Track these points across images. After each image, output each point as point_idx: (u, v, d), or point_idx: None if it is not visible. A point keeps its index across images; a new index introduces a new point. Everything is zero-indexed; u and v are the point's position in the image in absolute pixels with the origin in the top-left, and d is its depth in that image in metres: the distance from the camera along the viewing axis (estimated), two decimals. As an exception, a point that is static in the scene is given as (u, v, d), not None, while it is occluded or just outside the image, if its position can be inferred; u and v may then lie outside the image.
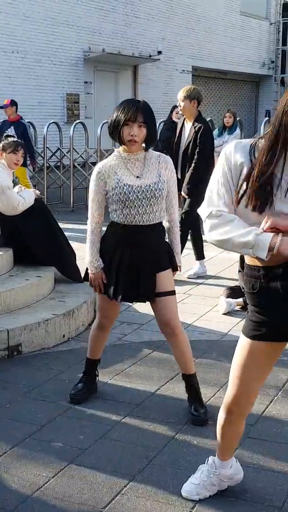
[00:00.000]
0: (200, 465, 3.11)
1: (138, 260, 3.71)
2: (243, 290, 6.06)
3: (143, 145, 3.69)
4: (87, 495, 3.05)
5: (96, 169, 3.73)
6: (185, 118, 6.91)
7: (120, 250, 3.72)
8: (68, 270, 6.03)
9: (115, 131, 3.62)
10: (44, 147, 12.54)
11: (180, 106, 6.80)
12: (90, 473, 3.24)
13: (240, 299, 5.93)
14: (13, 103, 11.09)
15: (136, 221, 3.66)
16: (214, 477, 3.01)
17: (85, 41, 19.38)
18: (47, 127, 12.61)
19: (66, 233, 6.32)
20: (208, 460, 3.07)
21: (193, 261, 7.22)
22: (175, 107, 11.17)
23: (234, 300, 5.95)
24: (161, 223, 3.79)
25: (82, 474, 3.22)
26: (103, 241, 3.80)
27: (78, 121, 13.51)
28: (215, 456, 3.04)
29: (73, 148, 12.31)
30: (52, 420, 3.81)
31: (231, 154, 2.48)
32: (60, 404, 4.00)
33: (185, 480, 3.13)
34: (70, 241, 6.22)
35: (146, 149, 3.71)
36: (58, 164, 13.38)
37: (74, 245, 6.31)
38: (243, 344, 2.67)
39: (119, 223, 3.69)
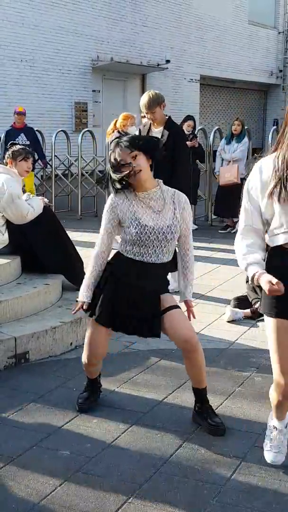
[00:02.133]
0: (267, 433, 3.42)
1: (140, 295, 3.66)
2: (250, 300, 6.06)
3: (155, 180, 3.67)
4: (94, 504, 3.05)
5: (109, 200, 3.67)
6: (151, 123, 6.50)
7: (123, 282, 3.67)
8: (75, 278, 6.03)
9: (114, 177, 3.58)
10: (52, 155, 12.59)
11: (150, 115, 6.33)
12: (97, 481, 3.23)
13: (248, 310, 5.92)
14: (25, 112, 11.79)
15: (145, 259, 3.64)
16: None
17: (93, 50, 19.46)
18: (55, 136, 12.68)
19: (74, 241, 6.33)
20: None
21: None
22: (188, 118, 11.15)
23: (242, 310, 5.94)
24: (169, 261, 3.74)
25: (89, 483, 3.22)
26: (108, 266, 3.75)
27: (86, 129, 13.54)
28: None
29: (81, 156, 12.34)
30: (59, 428, 3.80)
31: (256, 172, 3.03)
32: (67, 412, 4.00)
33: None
34: (77, 249, 6.22)
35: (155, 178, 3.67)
36: (66, 172, 13.42)
37: (81, 253, 6.31)
38: (271, 324, 3.04)
39: (128, 257, 3.67)
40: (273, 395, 3.27)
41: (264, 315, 3.08)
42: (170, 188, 3.74)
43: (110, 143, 8.62)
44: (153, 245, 3.61)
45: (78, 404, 4.04)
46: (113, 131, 8.87)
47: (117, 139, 3.64)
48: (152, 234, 3.59)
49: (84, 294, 3.75)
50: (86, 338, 3.84)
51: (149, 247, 3.61)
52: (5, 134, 11.62)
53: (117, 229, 3.70)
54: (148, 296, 3.67)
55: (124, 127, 8.72)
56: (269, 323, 3.05)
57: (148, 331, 3.72)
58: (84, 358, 3.91)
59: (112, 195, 3.68)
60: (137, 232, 3.58)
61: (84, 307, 3.74)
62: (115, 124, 8.99)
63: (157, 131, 6.41)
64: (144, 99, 6.31)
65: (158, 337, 3.75)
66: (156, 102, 6.29)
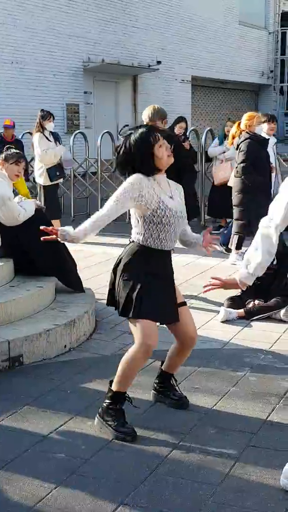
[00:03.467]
0: None
1: (168, 283, 3.78)
2: (244, 301, 6.07)
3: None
4: (90, 506, 3.04)
5: (133, 178, 3.60)
6: None
7: (153, 274, 3.67)
8: (69, 280, 6.03)
9: (147, 156, 3.59)
10: (44, 158, 12.53)
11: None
12: (92, 483, 3.23)
13: (241, 310, 5.93)
14: (14, 124, 11.55)
15: (168, 246, 3.70)
16: None
17: (84, 51, 19.46)
18: (47, 138, 12.63)
19: (67, 243, 6.31)
20: None
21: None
22: (179, 119, 11.09)
23: (235, 310, 5.94)
24: None
25: (84, 485, 3.21)
26: (134, 266, 3.67)
27: (78, 131, 13.54)
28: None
29: (73, 158, 12.32)
30: (54, 430, 3.80)
31: None
32: (62, 415, 3.99)
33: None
34: (71, 251, 6.21)
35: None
36: (59, 174, 13.38)
37: (75, 255, 6.30)
38: None
39: (152, 248, 3.65)
40: None
41: None
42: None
43: (238, 145, 7.83)
44: (172, 229, 3.66)
45: (129, 434, 3.70)
46: (241, 133, 7.94)
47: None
48: (172, 217, 3.64)
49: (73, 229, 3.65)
50: (141, 334, 3.62)
51: (169, 231, 3.65)
52: None
53: (125, 207, 3.65)
54: (172, 283, 3.82)
55: (250, 127, 7.80)
56: None
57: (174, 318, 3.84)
58: (140, 349, 3.64)
59: (135, 175, 3.61)
60: (163, 214, 3.60)
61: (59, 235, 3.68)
62: (238, 126, 8.13)
63: None
64: (145, 114, 6.34)
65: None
66: (157, 115, 6.30)
